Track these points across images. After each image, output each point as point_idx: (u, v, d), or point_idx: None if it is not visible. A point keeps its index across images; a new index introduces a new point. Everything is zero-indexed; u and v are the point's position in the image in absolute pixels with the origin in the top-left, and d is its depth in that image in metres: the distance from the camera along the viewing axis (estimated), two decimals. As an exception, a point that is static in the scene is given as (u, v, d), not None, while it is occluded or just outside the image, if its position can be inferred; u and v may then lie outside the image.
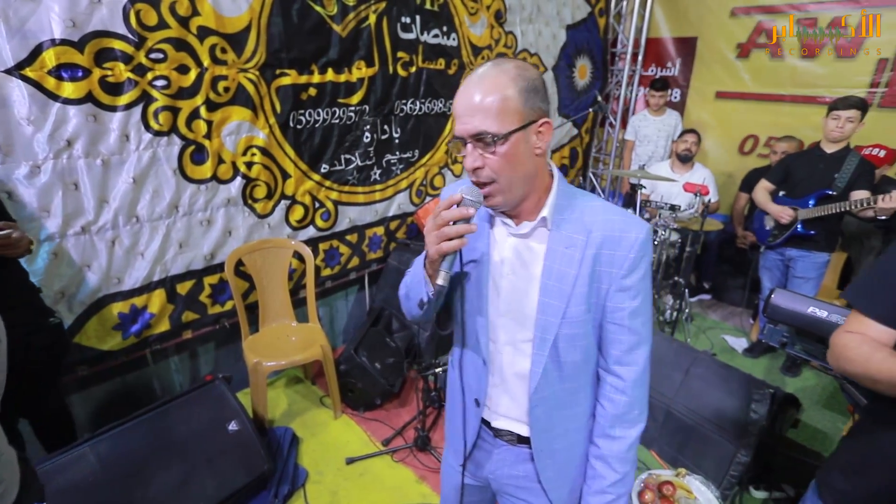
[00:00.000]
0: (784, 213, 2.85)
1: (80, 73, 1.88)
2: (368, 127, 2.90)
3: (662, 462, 2.34)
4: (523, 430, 1.04)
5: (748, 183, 3.80)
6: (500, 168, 0.84)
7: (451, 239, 0.82)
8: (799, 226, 2.83)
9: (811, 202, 2.79)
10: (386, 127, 2.99)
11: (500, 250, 0.96)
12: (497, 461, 1.10)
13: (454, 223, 0.82)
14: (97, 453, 1.69)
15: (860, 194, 2.62)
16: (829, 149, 2.76)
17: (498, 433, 1.07)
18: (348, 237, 3.02)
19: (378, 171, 3.04)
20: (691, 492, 2.07)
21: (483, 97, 0.81)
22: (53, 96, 1.85)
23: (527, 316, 0.95)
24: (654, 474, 2.12)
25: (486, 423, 1.09)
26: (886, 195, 2.45)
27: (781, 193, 2.95)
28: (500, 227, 0.97)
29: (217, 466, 1.85)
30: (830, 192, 2.71)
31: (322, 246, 2.92)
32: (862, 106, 2.62)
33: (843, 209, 2.63)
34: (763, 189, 3.02)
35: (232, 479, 1.85)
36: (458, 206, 0.83)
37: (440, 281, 0.86)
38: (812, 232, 2.80)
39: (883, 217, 2.55)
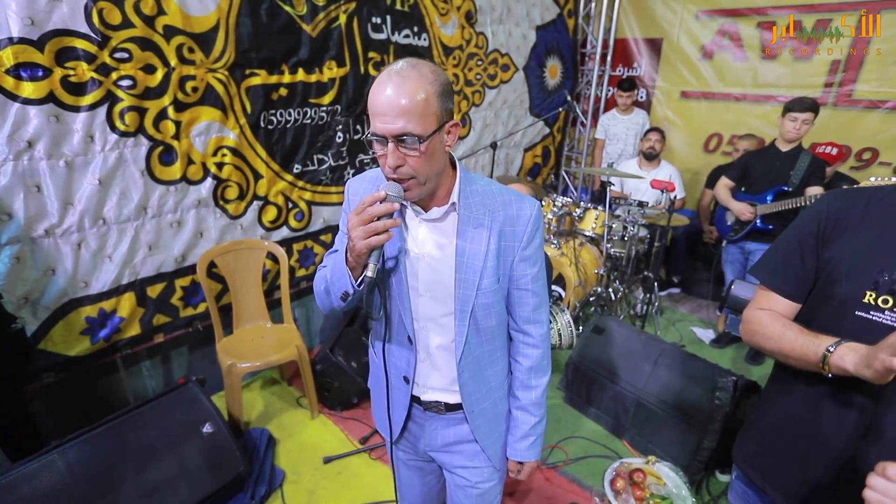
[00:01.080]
0: (745, 210, 2.98)
1: (40, 73, 1.84)
2: (341, 127, 2.90)
3: (633, 451, 2.42)
4: (451, 398, 1.13)
5: (713, 179, 3.93)
6: (420, 166, 0.89)
7: (378, 233, 0.87)
8: (758, 221, 2.96)
9: (769, 198, 2.91)
10: (359, 127, 3.00)
11: (413, 236, 1.04)
12: (430, 432, 1.18)
13: (379, 218, 0.88)
14: (66, 460, 1.65)
15: (814, 190, 2.77)
16: (784, 147, 2.89)
17: (427, 406, 1.15)
18: (323, 237, 3.02)
19: (352, 171, 3.04)
20: (661, 478, 2.14)
21: (407, 99, 0.84)
22: (12, 96, 1.80)
23: (445, 293, 1.04)
24: (626, 462, 2.19)
25: (415, 399, 1.16)
26: None
27: (742, 190, 3.07)
28: (410, 215, 1.03)
29: (191, 470, 1.83)
30: (786, 189, 2.85)
31: (296, 246, 2.91)
32: (815, 108, 2.75)
33: (798, 204, 2.76)
34: (723, 186, 3.14)
35: (207, 481, 1.84)
36: (381, 202, 0.88)
37: (369, 273, 0.90)
38: (770, 226, 2.92)
39: None
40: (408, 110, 0.84)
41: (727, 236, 3.19)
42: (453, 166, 1.03)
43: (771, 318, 1.03)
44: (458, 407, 1.13)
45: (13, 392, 1.82)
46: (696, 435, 2.20)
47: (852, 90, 3.54)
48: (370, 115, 0.88)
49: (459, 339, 1.05)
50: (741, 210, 2.99)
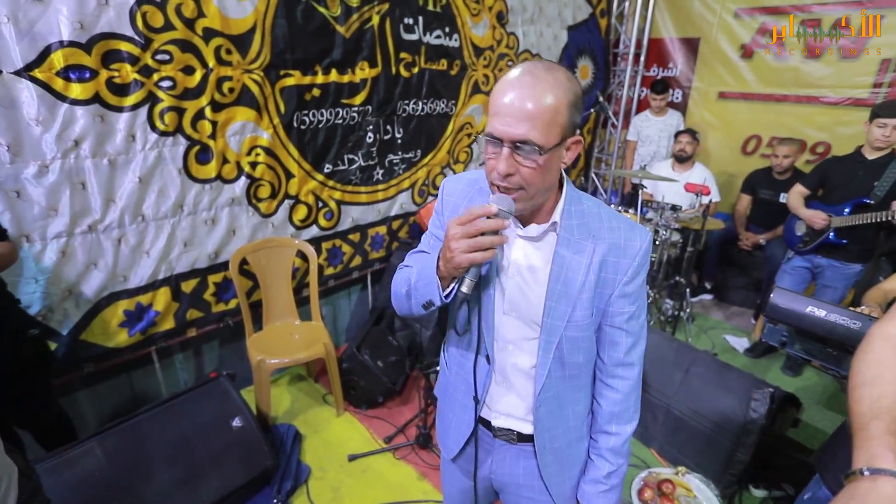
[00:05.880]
0: (817, 218, 2.73)
1: (87, 75, 1.91)
2: (371, 127, 2.92)
3: (662, 460, 2.35)
4: (524, 428, 1.05)
5: (749, 184, 3.80)
6: (533, 179, 0.82)
7: (484, 249, 0.81)
8: (831, 234, 2.72)
9: (846, 210, 2.66)
10: (388, 127, 3.01)
11: (507, 251, 0.96)
12: (497, 460, 1.11)
13: (485, 233, 0.81)
14: (103, 448, 1.72)
15: None
16: (871, 155, 2.63)
17: (497, 432, 1.08)
18: (351, 236, 3.05)
19: (381, 171, 3.06)
20: (691, 490, 2.08)
21: (536, 105, 0.76)
22: (61, 97, 1.87)
23: (532, 317, 0.96)
24: (654, 472, 2.13)
25: (484, 421, 1.09)
26: None
27: (818, 200, 2.85)
28: (510, 229, 0.95)
29: (221, 462, 1.88)
30: (868, 201, 2.59)
31: (325, 245, 2.94)
32: None
33: (880, 219, 2.49)
34: (797, 193, 2.92)
35: (236, 474, 1.88)
36: (490, 217, 0.81)
37: (465, 289, 0.85)
38: (844, 241, 2.69)
39: None
40: (534, 116, 0.77)
41: (795, 247, 2.95)
42: (560, 182, 0.94)
43: (881, 355, 0.75)
44: (531, 438, 1.05)
45: (42, 395, 1.86)
46: (729, 447, 2.13)
47: (904, 90, 3.37)
48: (490, 112, 0.81)
49: (542, 372, 0.97)
50: (813, 217, 2.73)
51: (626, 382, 1.00)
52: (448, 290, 0.89)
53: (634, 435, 2.43)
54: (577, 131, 0.86)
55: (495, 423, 1.08)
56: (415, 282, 0.95)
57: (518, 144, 0.79)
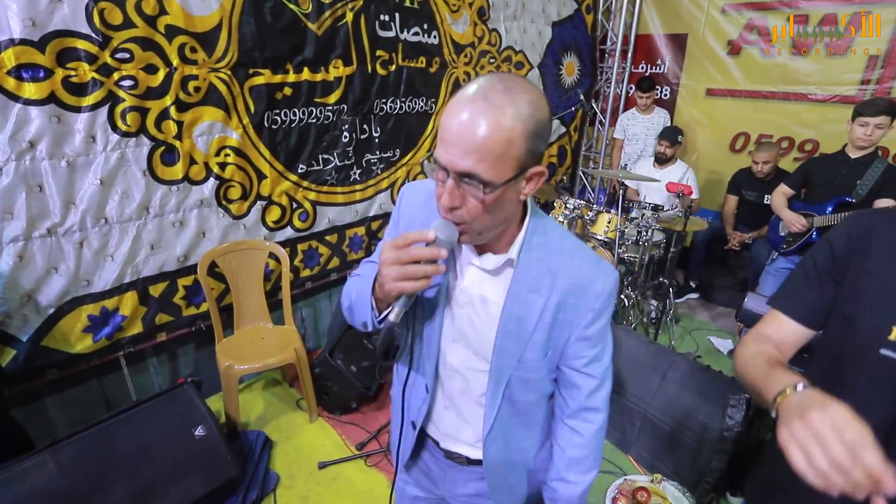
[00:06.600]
0: (796, 222, 2.70)
1: (41, 74, 1.85)
2: (347, 126, 2.86)
3: (639, 467, 2.31)
4: (472, 454, 1.01)
5: (734, 184, 3.76)
6: (479, 215, 0.73)
7: (416, 279, 0.73)
8: (814, 233, 2.70)
9: (829, 209, 2.64)
10: (365, 126, 2.96)
11: (460, 278, 0.89)
12: (450, 481, 1.08)
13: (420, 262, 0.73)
14: (57, 460, 1.67)
15: (884, 202, 2.47)
16: (855, 154, 2.61)
17: (446, 454, 1.05)
18: (328, 237, 2.99)
19: (358, 171, 3.00)
20: (666, 498, 2.04)
21: (486, 134, 0.66)
22: (14, 97, 1.81)
23: (481, 350, 0.90)
24: (630, 480, 2.10)
25: (435, 442, 1.06)
26: None
27: (801, 199, 2.82)
28: (463, 254, 0.88)
29: (182, 473, 1.83)
30: (849, 200, 2.57)
31: (301, 247, 2.89)
32: (891, 110, 2.44)
33: None
34: (781, 194, 2.90)
35: (197, 485, 1.83)
36: (427, 244, 0.73)
37: (392, 318, 0.76)
38: None
39: None
40: (482, 148, 0.66)
41: (779, 248, 2.95)
42: (525, 211, 0.85)
43: (752, 338, 0.90)
44: (481, 462, 1.00)
45: None
46: (706, 454, 2.08)
47: (891, 87, 3.32)
48: (439, 134, 0.72)
49: (491, 411, 0.91)
50: (791, 221, 2.72)
51: (589, 426, 0.93)
52: (382, 315, 0.82)
53: (612, 440, 2.42)
54: (540, 161, 0.75)
55: (443, 445, 1.04)
56: (354, 298, 0.89)
57: (463, 177, 0.70)
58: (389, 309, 0.79)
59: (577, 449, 0.94)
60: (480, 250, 0.86)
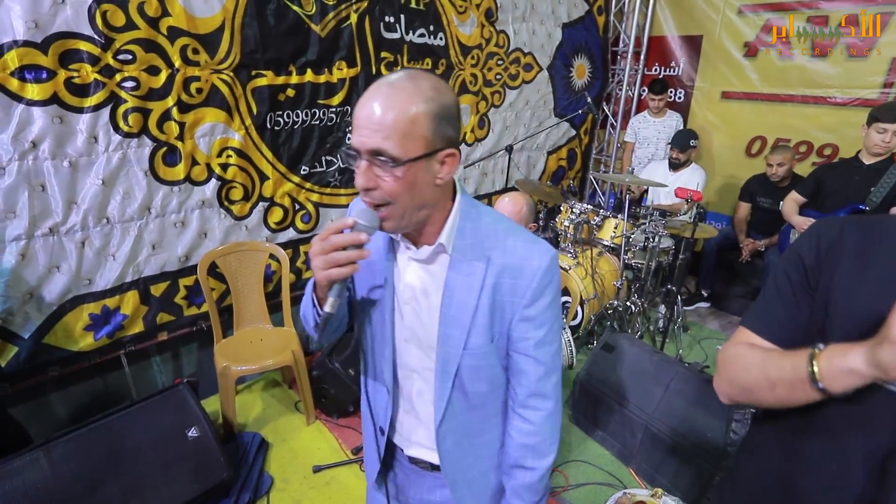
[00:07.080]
0: (806, 226, 2.64)
1: (44, 75, 1.87)
2: (350, 128, 2.84)
3: (640, 480, 2.25)
4: (434, 458, 0.99)
5: (747, 191, 3.66)
6: (395, 192, 0.75)
7: (340, 265, 0.75)
8: None
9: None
10: (369, 128, 2.94)
11: (402, 275, 0.90)
12: (415, 487, 1.07)
13: (345, 248, 0.76)
14: (49, 458, 1.68)
15: None
16: (869, 160, 2.52)
17: (413, 460, 1.04)
18: (331, 239, 2.98)
19: (361, 173, 2.99)
20: (666, 513, 1.98)
21: (389, 113, 0.72)
22: (17, 98, 1.84)
23: (429, 344, 0.90)
24: (629, 493, 2.04)
25: (400, 448, 1.05)
26: None
27: (813, 207, 2.73)
28: (401, 248, 0.90)
29: (173, 474, 1.83)
30: (863, 207, 2.47)
31: (303, 248, 2.89)
32: None
33: None
34: (792, 201, 2.82)
35: (188, 487, 1.83)
36: (350, 230, 0.76)
37: (327, 308, 0.79)
38: None
39: None
40: (386, 125, 0.72)
41: None
42: (455, 198, 0.87)
43: (749, 347, 0.86)
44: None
45: None
46: (708, 469, 2.01)
47: (915, 91, 3.20)
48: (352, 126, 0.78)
49: (440, 403, 0.91)
50: (802, 226, 2.63)
51: (538, 413, 0.92)
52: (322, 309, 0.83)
53: (612, 451, 2.36)
54: (453, 144, 0.78)
55: (408, 451, 1.04)
56: (304, 304, 0.91)
57: (374, 156, 0.74)
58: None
59: (528, 437, 0.94)
60: (417, 243, 0.88)
